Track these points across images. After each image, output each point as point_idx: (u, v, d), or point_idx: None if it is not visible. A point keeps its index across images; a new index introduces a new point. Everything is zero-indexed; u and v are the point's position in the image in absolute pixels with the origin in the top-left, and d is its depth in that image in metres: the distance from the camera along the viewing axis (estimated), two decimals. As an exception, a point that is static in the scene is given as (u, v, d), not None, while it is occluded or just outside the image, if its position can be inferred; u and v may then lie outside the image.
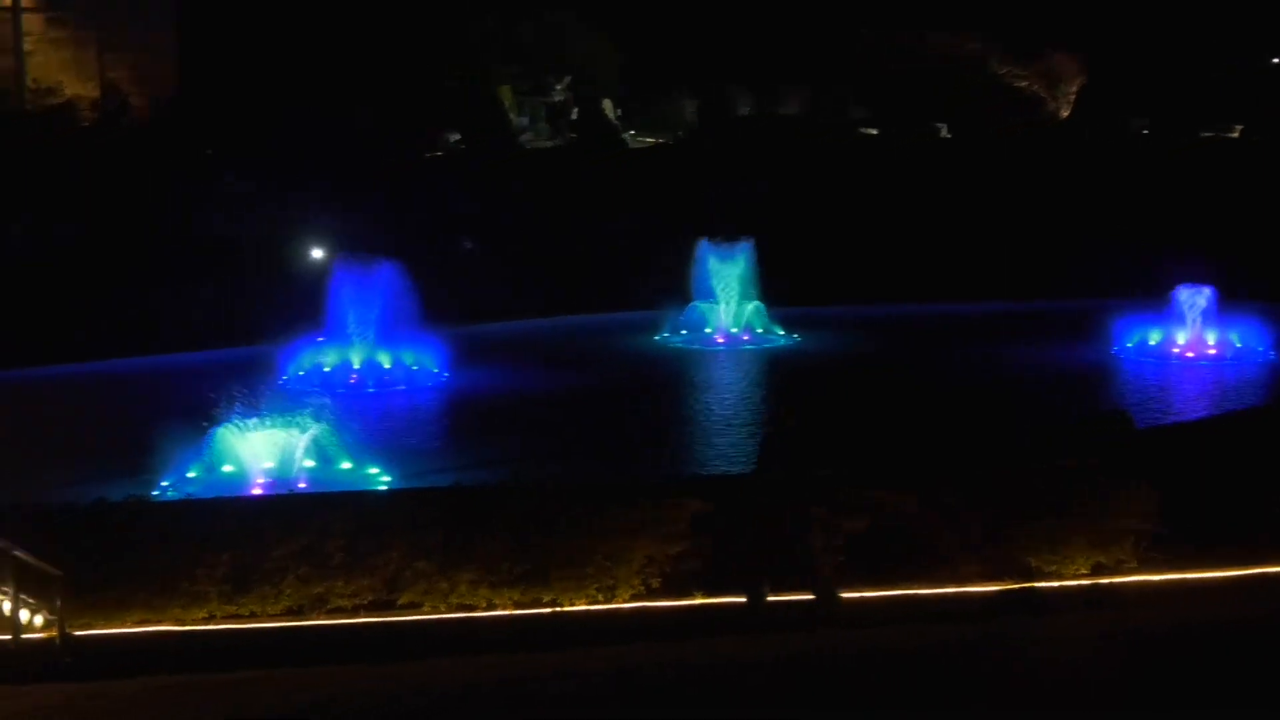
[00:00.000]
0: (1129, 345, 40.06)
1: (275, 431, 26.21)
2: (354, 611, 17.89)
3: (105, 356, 40.39)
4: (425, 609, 17.91)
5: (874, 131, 71.49)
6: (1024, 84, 75.44)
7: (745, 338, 43.34)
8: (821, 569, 17.57)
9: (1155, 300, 40.96)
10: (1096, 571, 19.04)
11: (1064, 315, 45.23)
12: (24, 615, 15.96)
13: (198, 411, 27.25)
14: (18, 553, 15.56)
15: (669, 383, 38.24)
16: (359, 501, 21.15)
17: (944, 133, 71.50)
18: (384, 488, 24.92)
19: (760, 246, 44.98)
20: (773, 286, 44.59)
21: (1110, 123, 69.88)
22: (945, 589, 18.32)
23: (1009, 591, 18.22)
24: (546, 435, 30.65)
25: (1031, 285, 50.73)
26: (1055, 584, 18.66)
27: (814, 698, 14.25)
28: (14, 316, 41.77)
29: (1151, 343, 40.15)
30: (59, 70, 64.63)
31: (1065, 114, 75.05)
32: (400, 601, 18.03)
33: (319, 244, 50.65)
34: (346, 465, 26.23)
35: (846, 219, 55.36)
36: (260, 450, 26.30)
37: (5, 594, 15.55)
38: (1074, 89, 75.17)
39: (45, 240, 48.29)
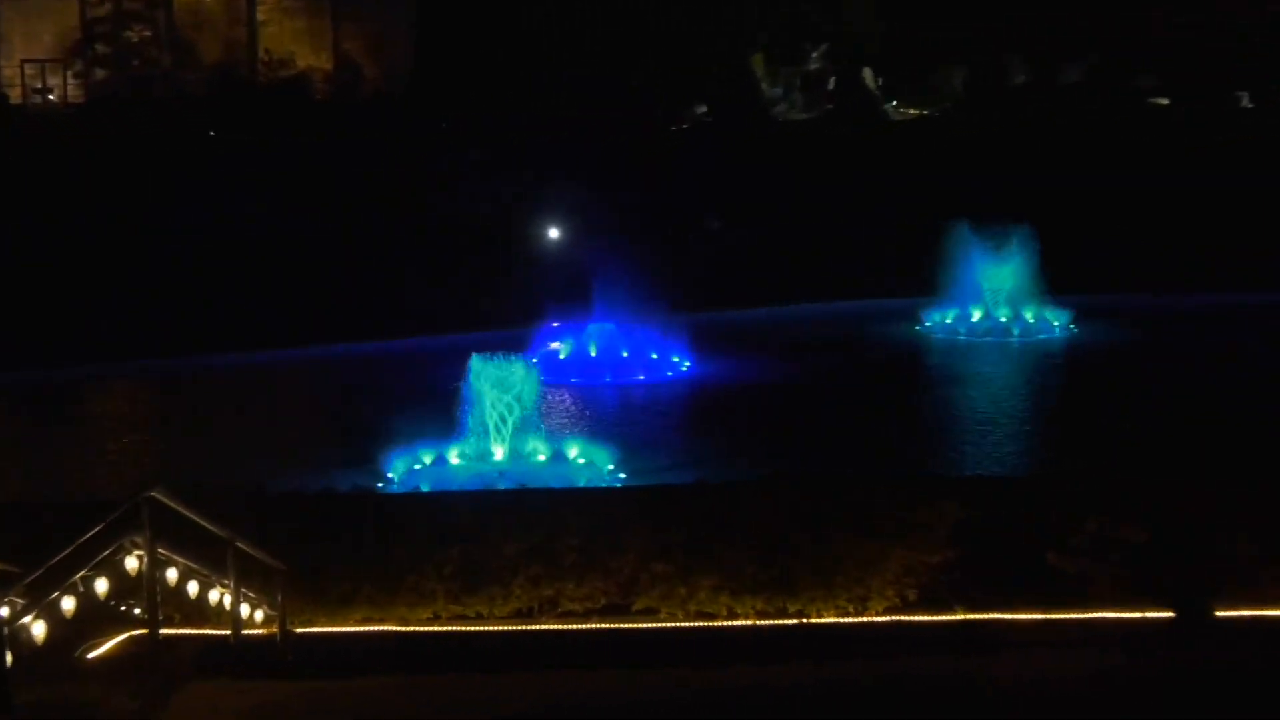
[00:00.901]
0: None
1: (507, 421, 26.63)
2: (585, 616, 17.96)
3: (339, 340, 41.46)
4: (661, 616, 17.87)
5: (1164, 101, 69.31)
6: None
7: (1015, 329, 42.40)
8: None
9: None
10: None
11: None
12: (244, 610, 16.35)
13: (429, 399, 27.83)
14: (240, 544, 15.93)
15: (929, 376, 37.69)
16: (594, 499, 21.31)
17: (1245, 102, 68.91)
18: (620, 484, 25.01)
19: (1034, 228, 43.92)
20: (1048, 273, 43.47)
21: None
22: (1242, 611, 17.53)
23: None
24: (794, 431, 30.39)
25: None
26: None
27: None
28: (250, 298, 43.26)
29: None
30: (292, 41, 66.68)
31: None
32: (635, 607, 18.02)
33: (558, 224, 51.25)
34: (581, 460, 26.44)
35: (1132, 198, 53.72)
36: (493, 443, 26.76)
37: (226, 587, 15.95)
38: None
39: (279, 219, 49.78)
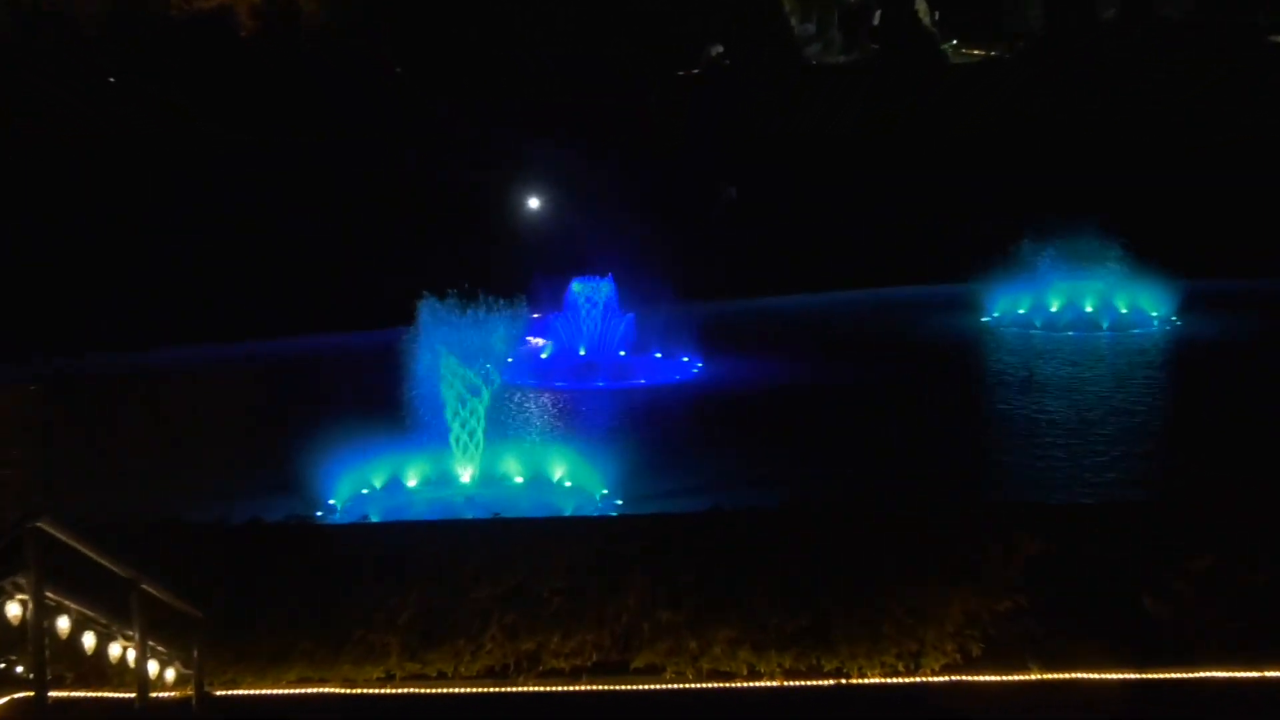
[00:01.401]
0: None
1: (477, 435, 26.64)
2: (573, 676, 17.96)
3: (304, 332, 41.58)
4: (667, 675, 17.87)
5: (1285, 40, 69.48)
6: None
7: (1104, 321, 42.40)
8: None
9: None
10: None
11: None
12: (153, 667, 16.25)
13: (383, 407, 27.81)
14: (147, 586, 15.83)
15: (997, 379, 37.70)
16: (584, 530, 21.27)
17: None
18: (615, 513, 25.02)
19: (1128, 197, 43.94)
20: (1147, 253, 43.39)
21: None
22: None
23: None
24: (829, 447, 30.40)
25: None
26: None
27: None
28: (206, 286, 43.46)
29: None
30: (214, -32, 66.75)
31: None
32: (635, 664, 18.00)
33: (550, 203, 51.36)
34: (568, 483, 26.43)
35: (1252, 161, 53.65)
36: (458, 461, 26.75)
37: (130, 640, 15.86)
38: None
39: (216, 194, 49.78)
